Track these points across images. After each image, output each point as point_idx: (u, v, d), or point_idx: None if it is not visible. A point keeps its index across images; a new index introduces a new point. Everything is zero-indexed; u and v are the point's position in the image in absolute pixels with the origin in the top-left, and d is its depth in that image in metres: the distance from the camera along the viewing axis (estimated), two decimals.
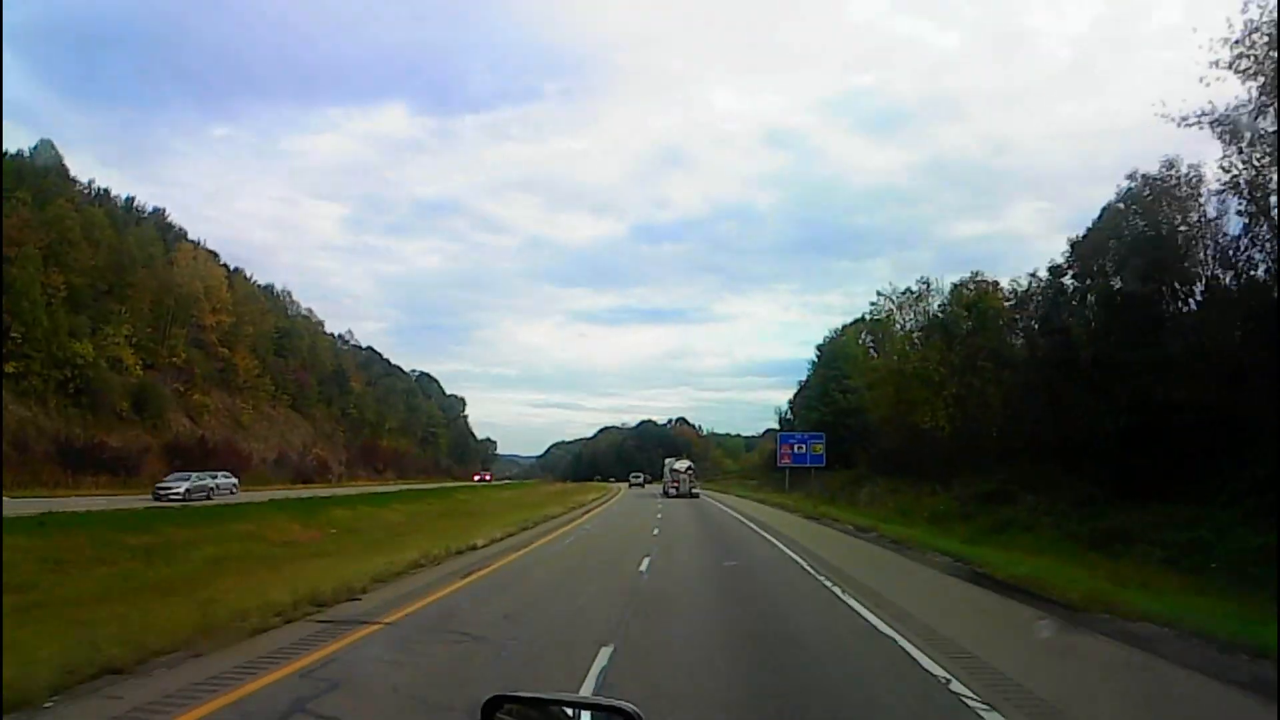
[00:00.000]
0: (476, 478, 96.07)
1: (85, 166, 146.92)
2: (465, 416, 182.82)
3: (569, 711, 2.39)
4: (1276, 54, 18.43)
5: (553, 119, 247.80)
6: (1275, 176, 20.50)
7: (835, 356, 70.67)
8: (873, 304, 59.56)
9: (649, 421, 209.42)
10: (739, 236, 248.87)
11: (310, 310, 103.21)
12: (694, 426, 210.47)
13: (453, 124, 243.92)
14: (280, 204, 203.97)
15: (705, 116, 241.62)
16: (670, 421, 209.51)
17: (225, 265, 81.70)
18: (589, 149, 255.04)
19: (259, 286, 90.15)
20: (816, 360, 75.77)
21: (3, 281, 48.23)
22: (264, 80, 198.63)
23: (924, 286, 56.54)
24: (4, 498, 24.15)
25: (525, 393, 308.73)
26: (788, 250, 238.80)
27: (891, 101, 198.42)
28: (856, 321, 74.32)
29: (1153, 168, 25.88)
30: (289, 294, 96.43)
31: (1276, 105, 19.56)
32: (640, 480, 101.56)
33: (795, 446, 63.29)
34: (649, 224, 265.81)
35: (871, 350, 71.95)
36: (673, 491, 63.65)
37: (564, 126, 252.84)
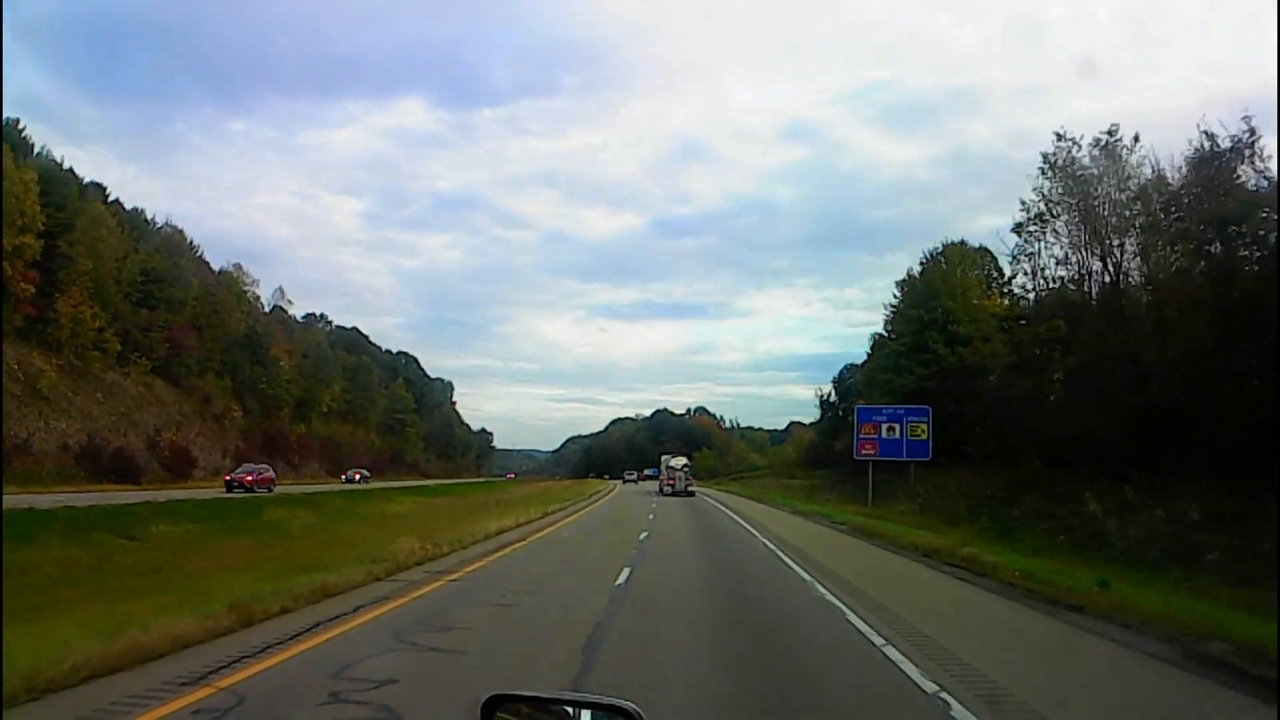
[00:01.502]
0: (345, 476, 69.14)
1: (102, 162, 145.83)
2: (453, 403, 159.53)
3: (569, 710, 2.27)
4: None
5: (571, 113, 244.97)
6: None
7: (934, 292, 45.76)
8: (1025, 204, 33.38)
9: (664, 411, 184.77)
10: (758, 231, 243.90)
11: (238, 265, 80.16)
12: (714, 416, 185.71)
13: (471, 118, 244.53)
14: (299, 199, 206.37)
15: (724, 110, 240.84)
16: (689, 411, 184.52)
17: (50, 167, 57.75)
18: (608, 142, 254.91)
19: (125, 211, 66.40)
20: (897, 302, 50.74)
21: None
22: (281, 74, 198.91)
23: (1106, 137, 30.62)
24: None
25: (544, 387, 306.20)
26: (807, 245, 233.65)
27: (911, 94, 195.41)
28: (957, 244, 49.46)
29: None
30: (173, 225, 72.30)
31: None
32: (634, 477, 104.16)
33: (884, 428, 38.50)
34: (668, 218, 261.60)
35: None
36: (668, 489, 61.90)
37: (583, 120, 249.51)
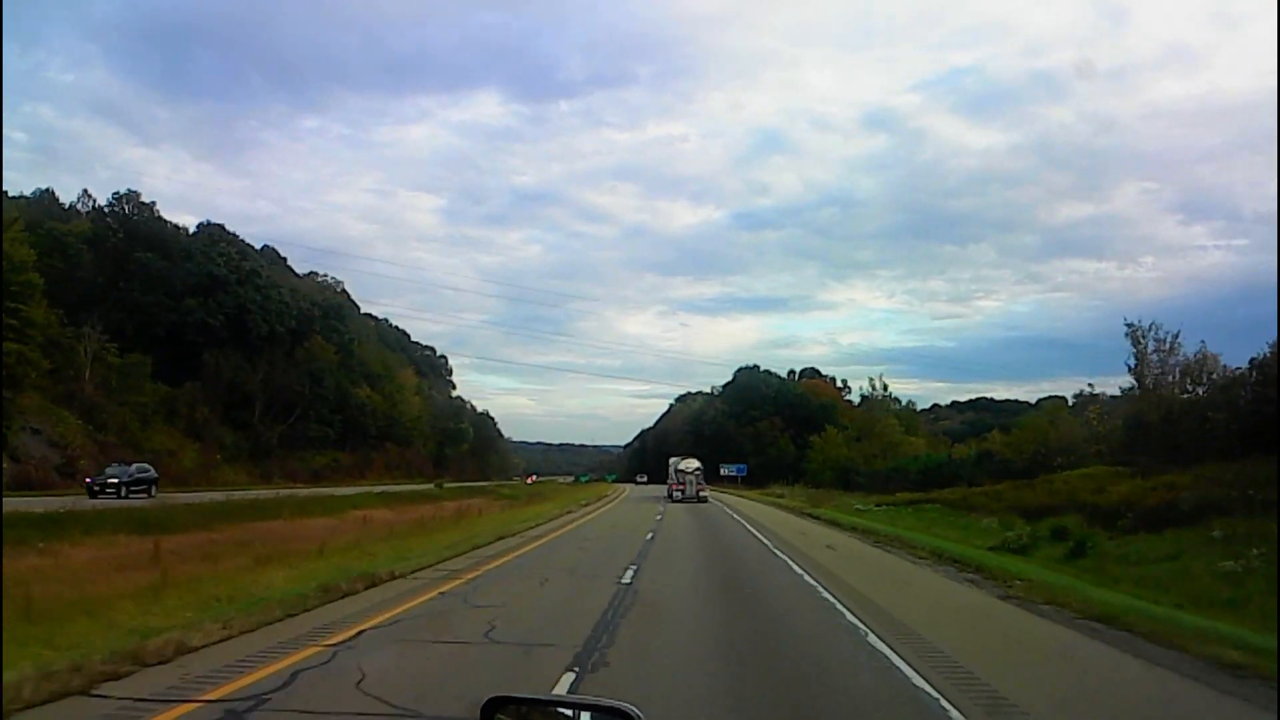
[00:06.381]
0: None
1: (177, 161, 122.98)
2: (427, 367, 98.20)
3: (568, 712, 2.30)
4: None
5: (648, 104, 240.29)
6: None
7: None
8: None
9: (750, 369, 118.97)
10: (840, 222, 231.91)
11: None
12: (829, 379, 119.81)
13: (547, 110, 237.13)
14: (376, 195, 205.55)
15: (803, 99, 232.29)
16: (792, 374, 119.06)
17: None
18: (686, 134, 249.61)
19: None
20: None
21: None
22: (352, 70, 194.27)
23: None
24: None
25: (627, 383, 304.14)
26: (890, 236, 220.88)
27: (991, 80, 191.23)
28: None
29: None
30: None
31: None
32: (644, 479, 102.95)
33: None
34: (749, 210, 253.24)
35: None
36: (678, 495, 60.03)
37: (660, 111, 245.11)
